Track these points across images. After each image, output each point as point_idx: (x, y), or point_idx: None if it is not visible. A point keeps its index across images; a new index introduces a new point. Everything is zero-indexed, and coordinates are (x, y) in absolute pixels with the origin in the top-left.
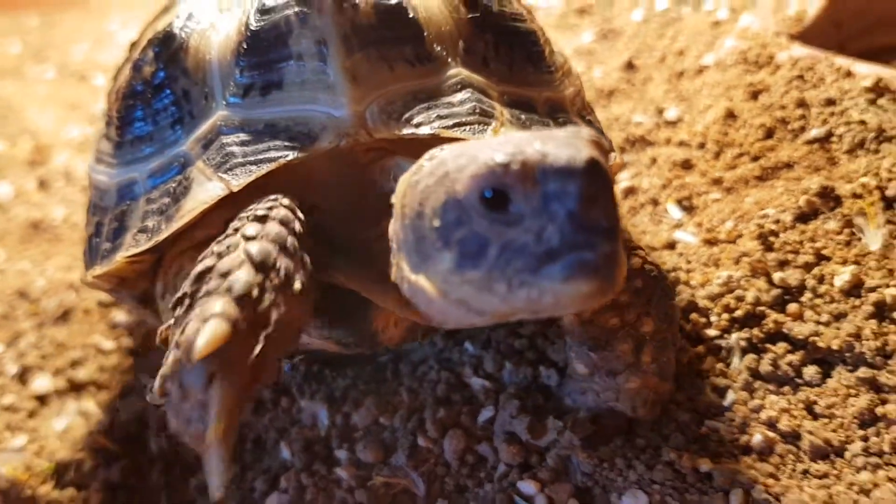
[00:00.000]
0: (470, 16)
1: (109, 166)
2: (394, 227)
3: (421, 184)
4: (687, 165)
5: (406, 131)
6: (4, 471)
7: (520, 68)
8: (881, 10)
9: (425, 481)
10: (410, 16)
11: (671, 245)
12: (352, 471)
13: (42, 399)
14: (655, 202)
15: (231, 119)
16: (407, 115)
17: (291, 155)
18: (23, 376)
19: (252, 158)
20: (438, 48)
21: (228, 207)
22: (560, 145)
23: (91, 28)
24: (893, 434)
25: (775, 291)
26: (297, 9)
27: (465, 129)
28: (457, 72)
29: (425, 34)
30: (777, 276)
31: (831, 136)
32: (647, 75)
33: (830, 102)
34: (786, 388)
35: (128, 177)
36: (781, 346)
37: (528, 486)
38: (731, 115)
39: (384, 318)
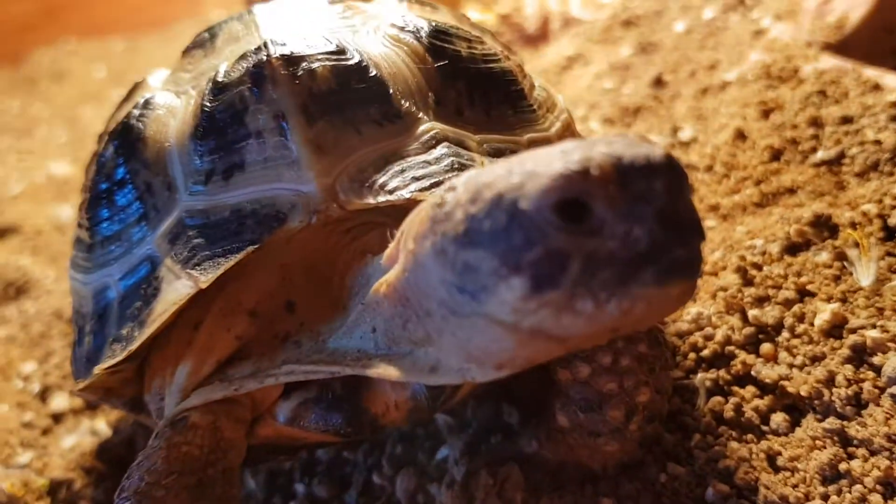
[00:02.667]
0: (438, 65)
1: (84, 271)
2: (401, 287)
3: (456, 216)
4: None
5: (381, 199)
6: (5, 486)
7: (498, 112)
8: None
9: None
10: (373, 74)
11: None
12: None
13: (57, 417)
14: None
15: (195, 208)
16: (381, 181)
17: (259, 239)
18: (44, 395)
19: (219, 249)
20: (407, 104)
21: (209, 296)
22: (626, 146)
23: (172, 51)
24: (855, 494)
25: (748, 330)
26: (250, 84)
27: None
28: (430, 126)
29: (391, 91)
30: (752, 313)
31: (843, 157)
32: (675, 91)
33: (847, 120)
34: (749, 436)
35: (101, 281)
36: (749, 390)
37: None
38: (741, 136)
39: (381, 402)
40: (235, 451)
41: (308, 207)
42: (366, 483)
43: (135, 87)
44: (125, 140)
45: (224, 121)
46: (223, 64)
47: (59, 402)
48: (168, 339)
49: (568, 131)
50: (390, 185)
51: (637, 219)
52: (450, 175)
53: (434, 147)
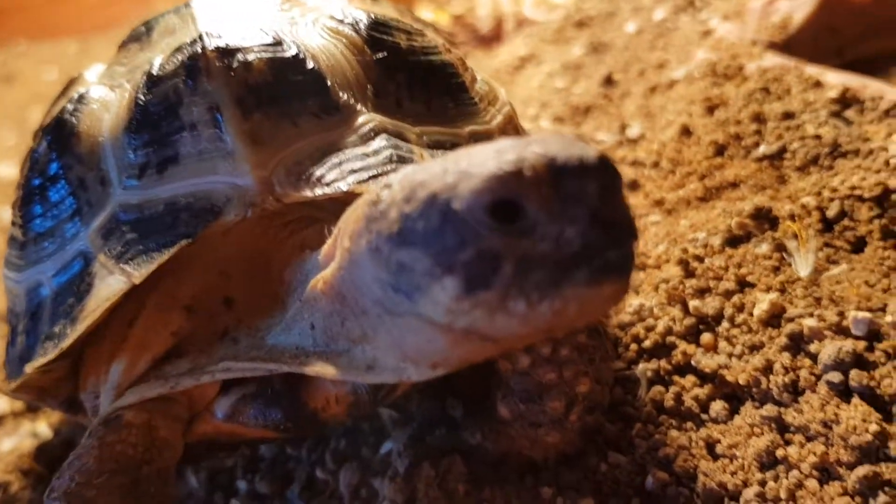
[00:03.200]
0: (377, 57)
1: (17, 269)
2: (338, 284)
3: (391, 214)
4: (634, 186)
5: (318, 192)
6: None
7: (439, 104)
8: (881, 13)
9: None
10: (310, 66)
11: None
12: (246, 502)
13: None
14: None
15: (128, 203)
16: (318, 174)
17: (193, 233)
18: None
19: (153, 243)
20: (346, 96)
21: (143, 291)
22: (561, 147)
23: None
24: (792, 480)
25: (689, 321)
26: (184, 76)
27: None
28: (368, 118)
29: (329, 83)
30: (693, 304)
31: (784, 152)
32: (625, 90)
33: (788, 116)
34: (689, 424)
35: (35, 279)
36: (689, 380)
37: None
38: (686, 132)
39: (321, 397)
40: (171, 450)
41: (244, 200)
42: (309, 478)
43: (70, 83)
44: (58, 135)
45: (158, 114)
46: (158, 57)
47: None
48: (103, 336)
49: (510, 124)
50: (328, 178)
51: (570, 220)
52: (388, 168)
53: (372, 139)
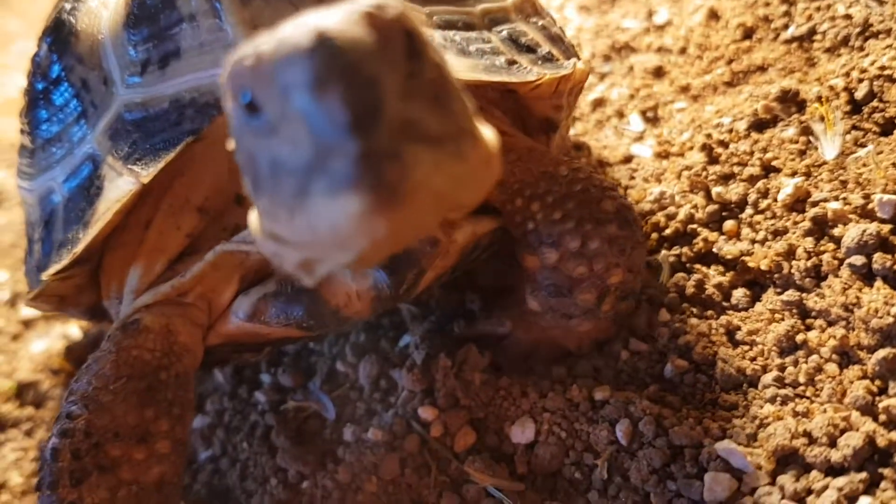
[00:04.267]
0: None
1: (29, 178)
2: None
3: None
4: (659, 73)
5: None
6: None
7: None
8: None
9: (336, 405)
10: None
11: (627, 159)
12: (270, 395)
13: (28, 323)
14: (621, 114)
15: (133, 101)
16: None
17: (199, 129)
18: (14, 302)
19: (160, 142)
20: None
21: (157, 194)
22: (296, 27)
23: None
24: (811, 364)
25: (712, 207)
26: None
27: None
28: None
29: None
30: (716, 190)
31: (814, 33)
32: None
33: None
34: (710, 312)
35: (46, 186)
36: (712, 267)
37: (426, 413)
38: (714, 16)
39: (342, 293)
40: (190, 356)
41: None
42: (330, 371)
43: None
44: (57, 36)
45: (155, 6)
46: None
47: (30, 308)
48: (121, 241)
49: (528, 1)
50: None
51: (292, 120)
52: None
53: None
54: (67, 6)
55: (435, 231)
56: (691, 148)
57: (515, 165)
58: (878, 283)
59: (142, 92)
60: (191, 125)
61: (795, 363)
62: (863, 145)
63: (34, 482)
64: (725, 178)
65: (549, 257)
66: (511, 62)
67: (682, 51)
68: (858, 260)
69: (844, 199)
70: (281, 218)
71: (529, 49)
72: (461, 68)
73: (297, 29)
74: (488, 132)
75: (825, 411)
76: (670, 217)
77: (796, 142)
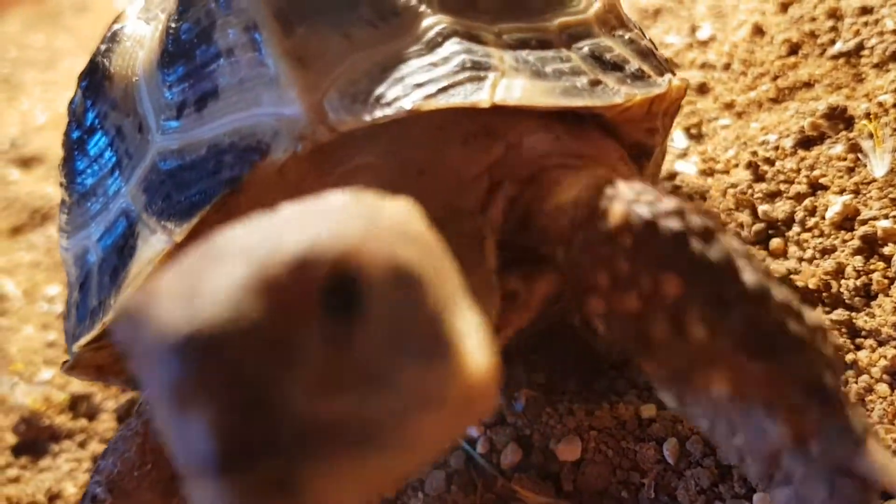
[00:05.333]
0: None
1: (67, 235)
2: None
3: None
4: (703, 90)
5: (378, 114)
6: (28, 402)
7: None
8: None
9: None
10: None
11: (672, 176)
12: None
13: None
14: None
15: (168, 149)
16: (377, 93)
17: (238, 177)
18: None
19: (196, 194)
20: None
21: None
22: (173, 303)
23: None
24: (862, 384)
25: (758, 226)
26: None
27: (452, 95)
28: (434, 21)
29: None
30: (762, 208)
31: (861, 48)
32: None
33: (866, 11)
34: None
35: (82, 245)
36: None
37: (472, 429)
38: (759, 31)
39: None
40: None
41: (293, 133)
42: None
43: (114, 20)
44: (92, 80)
45: (191, 41)
46: None
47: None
48: None
49: (612, 12)
50: (389, 96)
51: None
52: (460, 77)
53: (440, 45)
54: (103, 47)
55: None
56: (736, 165)
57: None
58: None
59: (178, 138)
60: (230, 173)
61: (846, 383)
62: None
63: None
64: (772, 196)
65: (597, 306)
66: (594, 83)
67: (727, 67)
68: None
69: (894, 217)
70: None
71: (616, 66)
72: (535, 93)
73: (165, 309)
74: (479, 357)
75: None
76: None
77: (844, 159)
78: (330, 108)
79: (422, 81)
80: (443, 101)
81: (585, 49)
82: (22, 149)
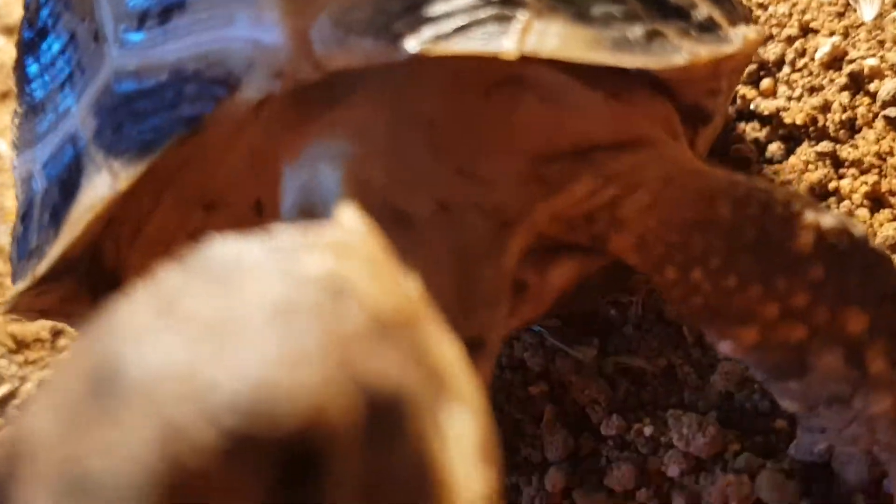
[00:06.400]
0: None
1: (18, 152)
2: None
3: None
4: None
5: (376, 52)
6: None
7: None
8: None
9: None
10: None
11: None
12: None
13: None
14: None
15: (125, 68)
16: (378, 25)
17: (198, 117)
18: None
19: (149, 131)
20: None
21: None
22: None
23: None
24: (843, 209)
25: (750, 67)
26: None
27: (470, 39)
28: None
29: None
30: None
31: None
32: None
33: None
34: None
35: (27, 168)
36: (751, 125)
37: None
38: None
39: None
40: None
41: (271, 67)
42: None
43: None
44: None
45: None
46: None
47: None
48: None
49: None
50: (392, 31)
51: None
52: (481, 14)
53: None
54: None
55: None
56: None
57: (649, 214)
58: None
59: (137, 56)
60: (190, 110)
61: (827, 208)
62: None
63: None
64: (764, 40)
65: (746, 338)
66: (651, 34)
67: None
68: (893, 112)
69: (881, 56)
70: None
71: (680, 13)
72: (576, 43)
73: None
74: (475, 485)
75: None
76: None
77: (835, 3)
78: (318, 39)
79: (436, 15)
80: (457, 47)
81: None
82: (6, 18)
